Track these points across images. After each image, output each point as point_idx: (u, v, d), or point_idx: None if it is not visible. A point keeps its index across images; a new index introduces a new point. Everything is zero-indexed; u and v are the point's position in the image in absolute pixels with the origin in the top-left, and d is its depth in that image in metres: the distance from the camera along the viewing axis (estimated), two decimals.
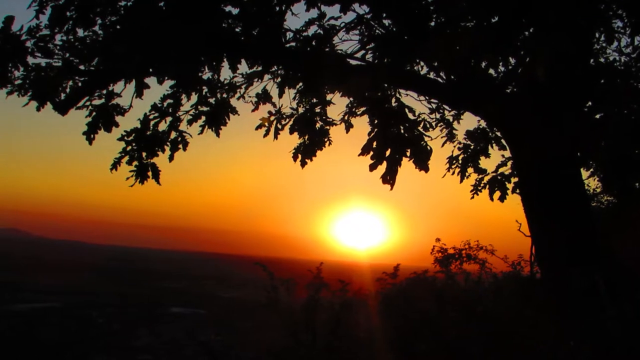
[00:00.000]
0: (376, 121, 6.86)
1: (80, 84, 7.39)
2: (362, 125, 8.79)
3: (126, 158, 7.98)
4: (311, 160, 8.71)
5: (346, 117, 8.70)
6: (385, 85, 7.28)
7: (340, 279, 14.94)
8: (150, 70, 6.93)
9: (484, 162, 9.22)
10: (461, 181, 9.21)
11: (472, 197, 9.50)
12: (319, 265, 14.86)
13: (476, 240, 17.13)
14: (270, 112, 8.60)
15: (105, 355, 61.47)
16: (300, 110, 8.60)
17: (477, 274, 16.07)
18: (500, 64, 7.09)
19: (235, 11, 6.59)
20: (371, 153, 6.70)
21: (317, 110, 8.61)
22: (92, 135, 7.63)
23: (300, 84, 7.94)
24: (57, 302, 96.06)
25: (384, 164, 6.70)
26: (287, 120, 8.57)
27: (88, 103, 7.53)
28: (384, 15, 6.82)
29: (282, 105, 8.58)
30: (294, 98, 8.49)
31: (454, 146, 9.22)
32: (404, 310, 12.97)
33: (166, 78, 7.30)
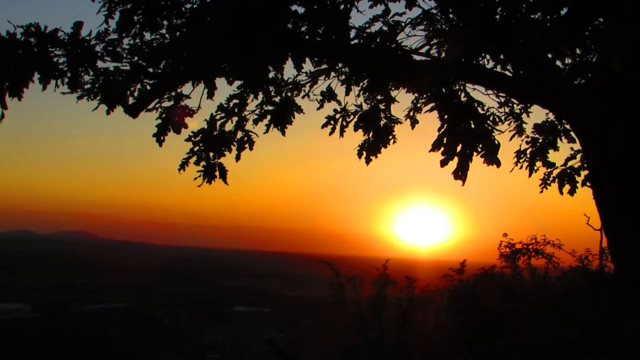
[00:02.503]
0: (446, 116, 6.80)
1: (149, 87, 7.53)
2: (423, 121, 8.79)
3: (194, 158, 8.08)
4: (376, 157, 8.70)
5: (411, 113, 8.67)
6: (452, 80, 7.22)
7: (405, 276, 14.91)
8: (221, 71, 7.01)
9: (552, 156, 9.07)
10: (530, 175, 9.08)
11: (541, 191, 9.37)
12: (384, 262, 14.88)
13: (543, 234, 16.93)
14: (335, 110, 8.61)
15: (173, 354, 62.48)
16: (365, 107, 8.59)
17: (543, 269, 15.87)
18: (569, 55, 6.98)
19: (301, 10, 6.61)
20: (442, 149, 6.65)
21: (382, 107, 8.58)
22: (161, 137, 7.76)
23: (366, 81, 7.93)
24: (124, 302, 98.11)
25: (455, 159, 6.65)
26: (352, 117, 8.57)
27: (158, 105, 7.66)
28: (450, 9, 6.77)
29: (347, 103, 8.58)
30: (358, 95, 8.48)
31: (522, 140, 9.10)
32: (472, 307, 12.85)
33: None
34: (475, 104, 7.14)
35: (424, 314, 13.80)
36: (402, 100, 8.53)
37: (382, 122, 8.60)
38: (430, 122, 9.10)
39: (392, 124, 8.63)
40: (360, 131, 8.62)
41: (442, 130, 6.71)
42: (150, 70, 7.34)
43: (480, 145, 6.63)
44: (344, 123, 8.60)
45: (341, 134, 8.59)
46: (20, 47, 6.69)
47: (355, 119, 8.57)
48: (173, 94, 7.63)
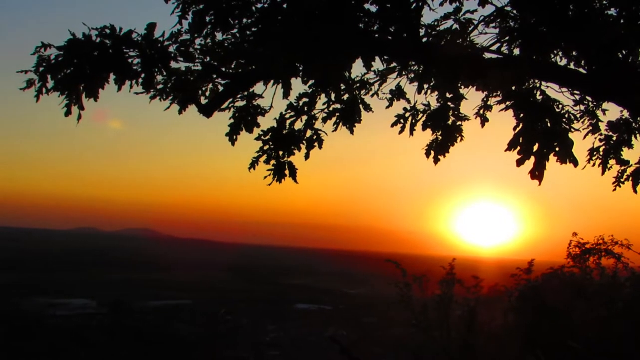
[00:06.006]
0: (522, 116, 6.72)
1: (221, 87, 7.63)
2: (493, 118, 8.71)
3: (264, 157, 8.13)
4: (444, 157, 8.62)
5: (481, 112, 8.58)
6: (527, 78, 7.14)
7: (472, 275, 14.82)
8: (296, 71, 7.05)
9: (627, 154, 8.88)
10: (603, 173, 8.89)
11: (614, 190, 9.18)
12: (451, 261, 14.81)
13: (610, 234, 16.63)
14: (405, 109, 8.57)
15: (234, 350, 63.12)
16: (434, 105, 8.53)
17: (612, 269, 15.60)
18: None
19: (373, 9, 6.61)
20: (518, 148, 6.57)
21: (451, 105, 8.51)
22: (234, 136, 7.85)
23: (436, 79, 7.88)
24: (188, 298, 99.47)
25: (532, 159, 6.57)
26: (421, 116, 8.52)
27: (231, 105, 7.75)
28: (524, 7, 6.70)
29: (416, 102, 8.54)
30: (426, 93, 8.43)
31: (595, 138, 8.92)
32: (542, 307, 12.69)
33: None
34: (552, 103, 7.03)
35: (492, 314, 13.68)
36: (470, 98, 8.45)
37: (450, 121, 8.53)
38: (498, 120, 9.03)
39: (461, 122, 8.56)
40: (405, 130, 8.58)
41: (519, 129, 6.63)
42: (223, 70, 7.43)
43: (556, 145, 6.54)
44: (414, 122, 8.56)
45: (411, 133, 8.55)
46: (96, 48, 6.84)
47: (424, 118, 8.52)
48: (246, 93, 7.72)
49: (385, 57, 7.50)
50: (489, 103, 8.52)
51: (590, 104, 8.54)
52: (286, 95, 7.37)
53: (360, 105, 8.42)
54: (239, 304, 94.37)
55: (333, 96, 8.23)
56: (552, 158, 6.71)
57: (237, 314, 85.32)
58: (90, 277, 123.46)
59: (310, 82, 7.63)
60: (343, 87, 8.16)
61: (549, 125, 6.63)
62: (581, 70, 7.22)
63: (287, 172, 8.18)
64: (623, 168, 8.99)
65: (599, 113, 8.68)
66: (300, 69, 7.05)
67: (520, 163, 6.57)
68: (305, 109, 8.17)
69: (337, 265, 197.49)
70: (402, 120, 8.57)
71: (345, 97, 8.37)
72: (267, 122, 8.05)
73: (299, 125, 8.25)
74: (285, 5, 6.60)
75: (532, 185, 6.53)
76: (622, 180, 9.03)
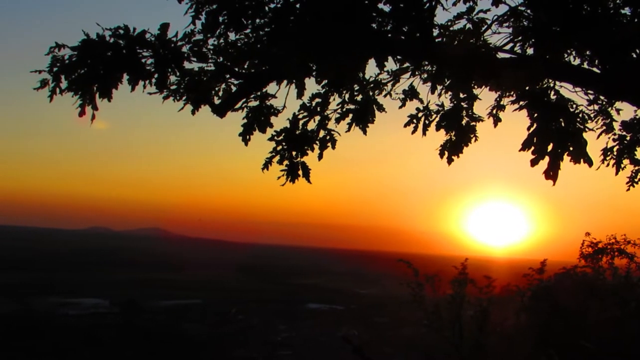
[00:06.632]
0: (536, 115, 6.70)
1: (234, 87, 7.64)
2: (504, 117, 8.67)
3: (277, 158, 8.13)
4: (458, 157, 8.59)
5: (494, 111, 8.55)
6: (540, 77, 7.11)
7: (484, 275, 14.79)
8: (309, 70, 7.05)
9: None
10: (616, 173, 8.86)
11: (628, 189, 9.15)
12: (463, 261, 14.79)
13: (623, 234, 16.57)
14: (418, 109, 8.56)
15: (246, 350, 63.22)
16: (447, 106, 8.51)
17: (625, 269, 15.54)
18: None
19: (386, 9, 6.60)
20: (532, 148, 6.56)
21: (464, 105, 8.49)
22: (247, 136, 7.86)
23: (449, 79, 7.86)
24: (199, 298, 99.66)
25: (546, 159, 6.56)
26: (435, 116, 8.51)
27: (244, 105, 7.76)
28: (538, 6, 6.68)
29: (429, 102, 8.52)
30: (439, 93, 8.41)
31: (609, 137, 8.89)
32: (554, 307, 12.65)
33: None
34: (566, 102, 7.01)
35: (504, 314, 13.65)
36: (484, 98, 8.43)
37: (463, 121, 8.51)
38: (511, 120, 9.00)
39: (474, 123, 8.54)
40: (418, 130, 8.57)
41: (533, 129, 6.61)
42: (236, 70, 7.45)
43: (570, 144, 6.52)
44: (426, 122, 8.55)
45: (424, 133, 8.53)
46: (109, 49, 6.85)
47: (438, 118, 8.50)
48: (259, 93, 7.72)
49: (398, 57, 7.50)
50: (501, 103, 8.50)
51: (604, 103, 8.51)
52: (300, 95, 7.38)
53: (374, 106, 8.42)
54: (249, 303, 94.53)
55: (346, 96, 8.24)
56: (565, 157, 6.70)
57: (248, 314, 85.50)
58: (102, 276, 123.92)
59: (324, 82, 7.64)
60: (356, 87, 8.16)
61: (563, 124, 6.61)
62: (595, 69, 7.20)
63: (300, 172, 8.18)
64: (637, 168, 8.96)
65: (613, 112, 8.65)
66: (314, 68, 7.06)
67: (534, 163, 6.56)
68: (318, 109, 8.17)
69: (348, 264, 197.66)
70: (414, 120, 8.55)
71: (359, 97, 8.37)
72: (280, 122, 8.06)
73: (311, 125, 8.26)
74: (298, 5, 6.60)
75: (543, 184, 6.53)
76: (636, 179, 9.01)
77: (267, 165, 8.11)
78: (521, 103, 6.85)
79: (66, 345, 58.65)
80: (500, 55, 7.24)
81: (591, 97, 8.16)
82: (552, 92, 7.08)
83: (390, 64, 7.52)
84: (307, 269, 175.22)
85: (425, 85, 8.33)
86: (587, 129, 6.76)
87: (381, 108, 8.46)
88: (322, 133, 8.30)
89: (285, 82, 7.46)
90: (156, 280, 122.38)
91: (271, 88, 7.71)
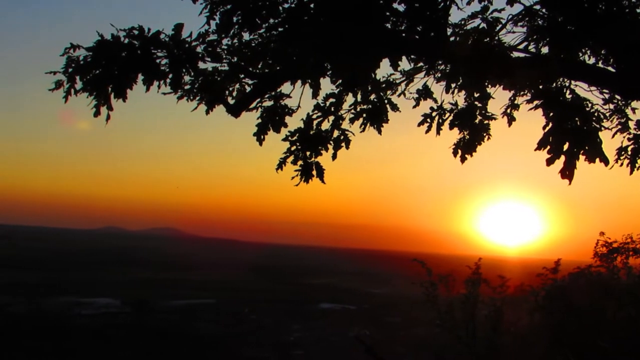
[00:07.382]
0: (551, 114, 6.69)
1: (248, 87, 7.66)
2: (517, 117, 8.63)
3: (291, 158, 8.14)
4: (471, 155, 8.60)
5: (508, 111, 8.54)
6: (556, 77, 7.10)
7: (498, 275, 14.76)
8: (324, 70, 7.06)
9: None
10: (631, 172, 8.80)
11: None
12: (477, 261, 14.76)
13: (638, 233, 16.48)
14: (432, 108, 8.57)
15: (258, 350, 63.27)
16: (461, 105, 8.51)
17: (639, 268, 15.47)
18: None
19: (401, 9, 6.60)
20: (548, 147, 6.55)
21: (478, 104, 8.49)
22: (261, 136, 7.89)
23: (463, 78, 7.85)
24: (211, 298, 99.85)
25: (562, 158, 6.55)
26: (448, 115, 8.51)
27: (259, 105, 7.78)
28: (553, 5, 6.66)
29: (443, 101, 8.53)
30: (453, 93, 8.40)
31: (624, 137, 8.84)
32: (569, 307, 12.61)
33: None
34: (581, 101, 7.00)
35: (518, 314, 13.62)
36: (497, 96, 8.43)
37: (477, 120, 8.51)
38: (524, 119, 8.97)
39: (488, 121, 8.53)
40: (432, 129, 8.56)
41: (548, 128, 6.60)
42: (250, 70, 7.46)
43: (586, 144, 6.51)
44: (440, 121, 8.55)
45: (438, 132, 8.54)
46: (124, 49, 6.87)
47: (451, 117, 8.51)
48: (273, 93, 7.74)
49: (412, 57, 7.49)
50: (516, 102, 8.48)
51: (620, 102, 8.47)
52: (315, 95, 7.40)
53: (387, 105, 8.42)
54: (262, 303, 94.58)
55: (360, 96, 8.24)
56: (579, 157, 6.69)
57: (260, 314, 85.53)
58: (115, 276, 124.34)
59: (338, 82, 7.64)
60: (370, 87, 8.17)
61: (578, 124, 6.60)
62: (610, 68, 7.17)
63: (314, 172, 8.18)
64: None
65: (628, 111, 8.60)
66: (328, 68, 7.07)
67: (550, 162, 6.55)
68: (332, 109, 8.18)
69: (360, 264, 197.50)
70: (428, 120, 8.56)
71: (372, 97, 8.38)
72: (294, 122, 8.07)
73: (325, 125, 8.27)
74: (312, 5, 6.60)
75: (557, 184, 6.52)
76: None
77: (281, 165, 8.12)
78: (536, 102, 6.84)
79: (77, 345, 58.87)
80: (515, 54, 7.23)
81: (606, 96, 8.14)
82: (568, 92, 7.07)
83: (404, 64, 7.52)
84: (318, 269, 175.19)
85: (439, 84, 8.35)
86: (602, 128, 6.75)
87: (395, 107, 8.46)
88: (336, 133, 8.31)
89: (299, 82, 7.49)
90: (168, 280, 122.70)
91: (285, 88, 7.74)
